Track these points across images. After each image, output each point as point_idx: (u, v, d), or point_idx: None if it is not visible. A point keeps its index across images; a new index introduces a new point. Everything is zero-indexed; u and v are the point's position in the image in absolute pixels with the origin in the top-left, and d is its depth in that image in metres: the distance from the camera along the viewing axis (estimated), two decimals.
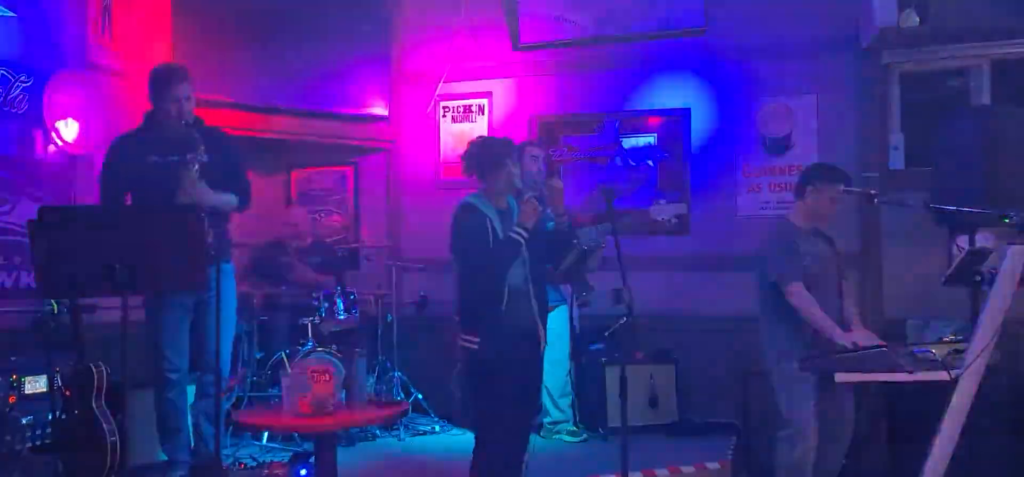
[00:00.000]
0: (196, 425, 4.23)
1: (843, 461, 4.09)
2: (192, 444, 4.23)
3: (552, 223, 3.82)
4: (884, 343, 3.67)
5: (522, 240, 3.48)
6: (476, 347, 3.50)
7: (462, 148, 3.79)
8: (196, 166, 3.87)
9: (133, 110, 5.54)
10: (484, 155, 3.63)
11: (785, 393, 3.95)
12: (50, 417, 4.00)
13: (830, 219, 4.08)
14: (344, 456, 4.52)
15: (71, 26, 5.12)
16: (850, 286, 4.19)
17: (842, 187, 3.94)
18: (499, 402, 3.52)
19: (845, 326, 3.95)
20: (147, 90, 4.14)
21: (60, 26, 5.02)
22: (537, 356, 3.66)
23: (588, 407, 5.42)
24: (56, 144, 5.00)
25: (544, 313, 3.64)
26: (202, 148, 3.89)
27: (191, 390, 4.28)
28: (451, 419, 5.75)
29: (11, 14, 4.74)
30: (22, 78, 4.79)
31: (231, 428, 4.78)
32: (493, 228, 3.51)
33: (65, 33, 5.06)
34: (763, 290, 4.01)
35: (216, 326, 3.72)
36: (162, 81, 4.07)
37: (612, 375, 5.21)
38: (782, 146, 5.72)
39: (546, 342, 3.69)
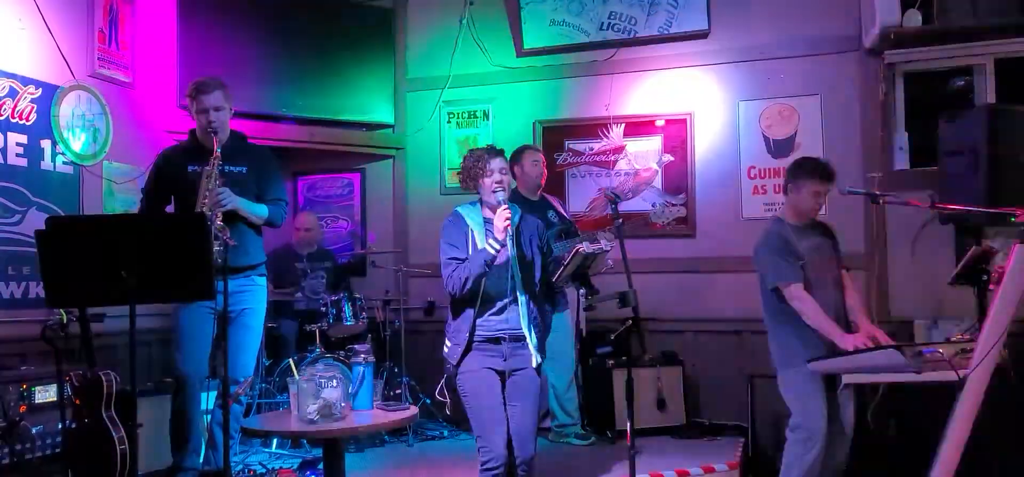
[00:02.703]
0: (210, 432, 4.26)
1: (848, 461, 4.08)
2: (203, 451, 4.26)
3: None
4: (891, 342, 3.67)
5: (493, 252, 3.37)
6: (448, 351, 3.52)
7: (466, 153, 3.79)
8: (215, 172, 3.99)
9: (140, 120, 5.59)
10: (465, 166, 3.60)
11: (793, 394, 3.94)
12: (60, 426, 4.02)
13: (817, 213, 4.03)
14: (353, 462, 4.54)
15: (78, 37, 5.16)
16: (852, 278, 4.16)
17: (822, 183, 3.86)
18: (475, 407, 3.50)
19: (849, 321, 3.95)
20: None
21: (67, 37, 5.06)
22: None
23: (595, 410, 5.42)
24: (64, 155, 5.03)
25: (538, 325, 3.55)
26: (218, 154, 4.02)
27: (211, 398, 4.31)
28: (459, 424, 5.76)
29: (19, 26, 4.78)
30: (30, 89, 4.82)
31: (240, 435, 4.80)
32: (473, 238, 3.49)
33: (72, 44, 5.10)
34: (765, 294, 4.01)
35: (223, 334, 3.73)
36: (191, 93, 4.22)
37: (619, 378, 5.21)
38: (786, 147, 5.72)
39: (544, 355, 3.60)
